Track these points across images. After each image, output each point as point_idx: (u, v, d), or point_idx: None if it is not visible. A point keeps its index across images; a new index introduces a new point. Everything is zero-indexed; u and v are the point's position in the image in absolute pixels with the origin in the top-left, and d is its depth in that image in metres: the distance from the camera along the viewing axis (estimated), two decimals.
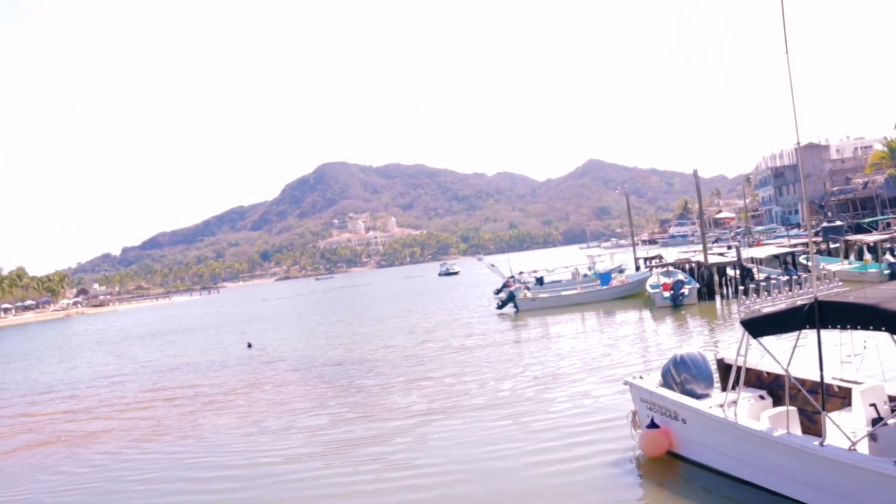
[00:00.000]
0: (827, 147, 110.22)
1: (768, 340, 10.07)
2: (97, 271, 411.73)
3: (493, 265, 56.02)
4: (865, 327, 8.43)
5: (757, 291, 13.40)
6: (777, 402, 11.10)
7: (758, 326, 10.05)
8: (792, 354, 9.83)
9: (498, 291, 47.94)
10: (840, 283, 11.90)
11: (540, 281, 50.42)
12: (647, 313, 34.68)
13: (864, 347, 8.81)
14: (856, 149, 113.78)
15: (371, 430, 16.88)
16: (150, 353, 45.29)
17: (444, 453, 14.30)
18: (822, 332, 8.96)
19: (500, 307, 43.19)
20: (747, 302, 11.34)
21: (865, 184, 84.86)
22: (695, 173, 39.78)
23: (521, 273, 53.72)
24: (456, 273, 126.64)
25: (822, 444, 8.99)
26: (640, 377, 13.39)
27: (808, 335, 9.29)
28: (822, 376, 9.29)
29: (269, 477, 14.04)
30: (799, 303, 9.72)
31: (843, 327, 8.78)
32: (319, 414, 19.53)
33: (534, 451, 13.54)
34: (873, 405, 9.49)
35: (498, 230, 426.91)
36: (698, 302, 35.18)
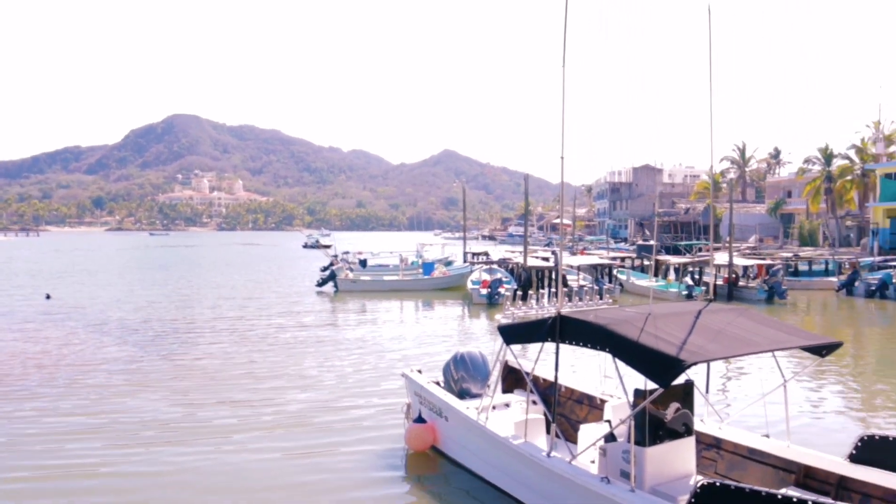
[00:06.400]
0: (661, 170, 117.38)
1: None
2: None
3: (317, 240, 55.06)
4: (594, 346, 8.40)
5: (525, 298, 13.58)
6: (548, 408, 11.04)
7: (510, 334, 10.09)
8: (536, 361, 9.92)
9: (324, 269, 47.10)
10: (610, 301, 12.05)
11: (363, 263, 49.96)
12: (463, 308, 34.88)
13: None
14: (685, 176, 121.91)
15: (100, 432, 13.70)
16: None
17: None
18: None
19: (319, 285, 42.37)
20: (510, 308, 11.35)
21: (687, 209, 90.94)
22: (525, 178, 41.08)
23: (346, 253, 53.00)
24: (327, 246, 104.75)
25: (548, 455, 8.92)
26: (419, 371, 13.22)
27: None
28: (556, 385, 9.46)
29: None
30: (546, 316, 9.66)
31: (579, 344, 8.70)
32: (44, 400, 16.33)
33: (303, 444, 12.84)
34: (608, 421, 9.54)
35: (346, 207, 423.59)
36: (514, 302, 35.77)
